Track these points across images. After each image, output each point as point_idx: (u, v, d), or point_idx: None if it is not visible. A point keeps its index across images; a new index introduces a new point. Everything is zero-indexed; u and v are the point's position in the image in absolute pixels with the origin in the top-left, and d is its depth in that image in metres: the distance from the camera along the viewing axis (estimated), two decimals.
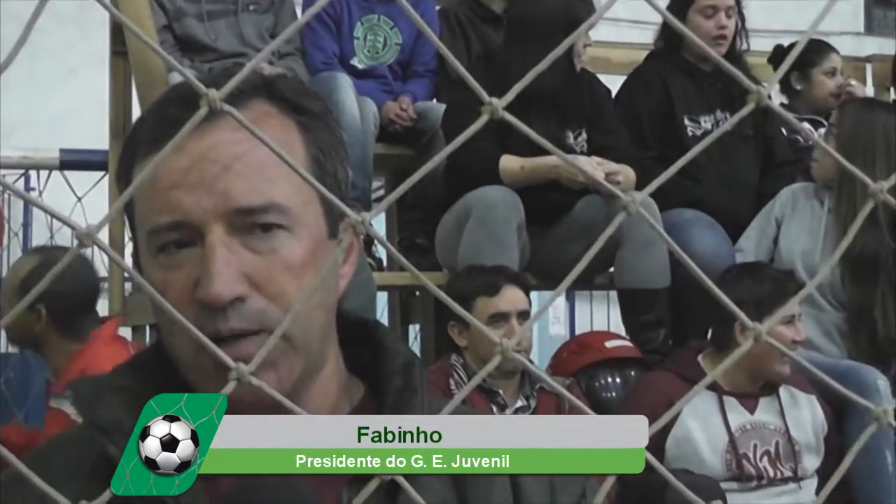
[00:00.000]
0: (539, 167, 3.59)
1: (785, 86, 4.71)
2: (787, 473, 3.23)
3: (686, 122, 4.07)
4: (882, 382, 3.37)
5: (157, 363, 1.08)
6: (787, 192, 3.87)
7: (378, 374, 1.10)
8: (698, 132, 4.05)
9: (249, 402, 0.98)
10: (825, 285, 3.67)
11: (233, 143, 0.97)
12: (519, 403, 3.17)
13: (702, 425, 3.23)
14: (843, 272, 3.63)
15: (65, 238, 5.29)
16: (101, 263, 4.97)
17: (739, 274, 3.26)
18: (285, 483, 0.95)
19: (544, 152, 3.56)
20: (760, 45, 4.53)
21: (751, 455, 3.22)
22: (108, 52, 4.26)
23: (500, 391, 3.14)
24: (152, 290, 0.53)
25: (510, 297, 3.13)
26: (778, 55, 4.64)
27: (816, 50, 4.64)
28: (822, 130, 3.99)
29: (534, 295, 3.50)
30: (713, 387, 3.23)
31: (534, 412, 3.17)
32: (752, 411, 3.28)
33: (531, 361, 2.92)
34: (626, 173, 3.62)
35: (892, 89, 5.28)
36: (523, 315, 3.14)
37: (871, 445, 3.24)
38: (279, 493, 0.94)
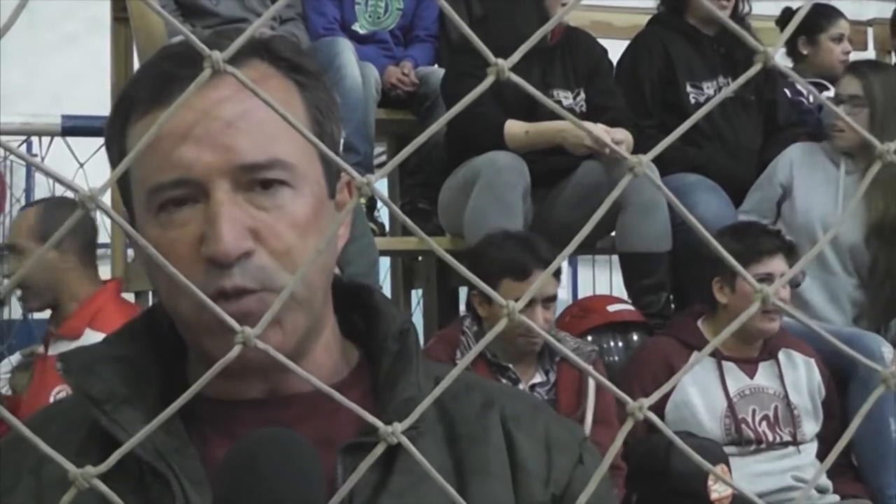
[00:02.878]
0: (544, 132, 3.58)
1: (791, 50, 4.68)
2: (787, 438, 3.24)
3: (688, 88, 4.05)
4: (886, 349, 3.38)
5: (149, 330, 1.08)
6: (789, 153, 3.85)
7: (373, 339, 1.10)
8: (701, 98, 4.03)
9: (255, 363, 0.98)
10: (845, 249, 3.66)
11: (235, 100, 0.97)
12: (537, 379, 3.09)
13: (701, 390, 3.24)
14: (869, 236, 3.62)
15: None
16: (103, 229, 4.97)
17: (723, 232, 3.26)
18: (286, 445, 0.94)
19: (542, 118, 3.57)
20: (763, 9, 4.50)
21: (749, 420, 3.23)
22: (110, 19, 4.25)
23: (511, 365, 3.07)
24: (155, 252, 0.53)
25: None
26: (786, 18, 4.61)
27: (826, 15, 4.61)
28: (827, 93, 3.95)
29: None
30: (712, 352, 3.23)
31: (553, 386, 3.10)
32: (751, 376, 3.29)
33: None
34: (626, 138, 3.62)
35: (892, 52, 5.26)
36: (550, 300, 3.02)
37: (874, 412, 3.26)
38: (280, 454, 0.93)
